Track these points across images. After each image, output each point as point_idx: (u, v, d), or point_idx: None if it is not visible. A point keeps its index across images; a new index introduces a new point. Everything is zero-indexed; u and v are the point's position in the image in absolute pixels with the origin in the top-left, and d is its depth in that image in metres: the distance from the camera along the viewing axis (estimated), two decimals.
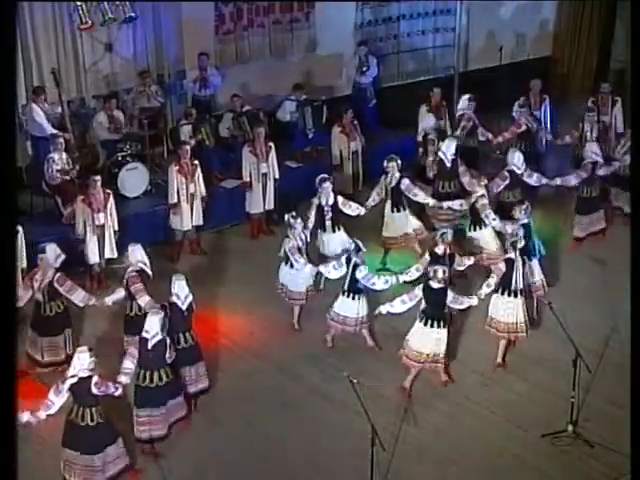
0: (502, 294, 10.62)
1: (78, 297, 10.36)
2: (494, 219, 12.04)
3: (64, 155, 12.78)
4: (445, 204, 12.60)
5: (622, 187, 13.59)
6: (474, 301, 10.40)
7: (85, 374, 8.61)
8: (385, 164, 12.51)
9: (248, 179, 13.49)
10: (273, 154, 13.53)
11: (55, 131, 13.11)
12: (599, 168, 13.24)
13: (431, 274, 10.12)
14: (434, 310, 10.10)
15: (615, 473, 9.13)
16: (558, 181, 13.26)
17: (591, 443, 9.47)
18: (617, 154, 13.92)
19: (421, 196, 12.60)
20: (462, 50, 17.58)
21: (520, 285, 10.56)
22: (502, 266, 10.57)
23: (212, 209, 13.53)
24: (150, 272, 10.41)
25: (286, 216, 11.40)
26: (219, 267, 12.99)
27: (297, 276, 11.26)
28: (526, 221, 11.48)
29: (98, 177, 11.97)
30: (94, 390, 8.62)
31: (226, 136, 14.59)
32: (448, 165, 13.03)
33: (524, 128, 14.62)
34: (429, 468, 9.31)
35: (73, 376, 8.63)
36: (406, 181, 12.55)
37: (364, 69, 15.83)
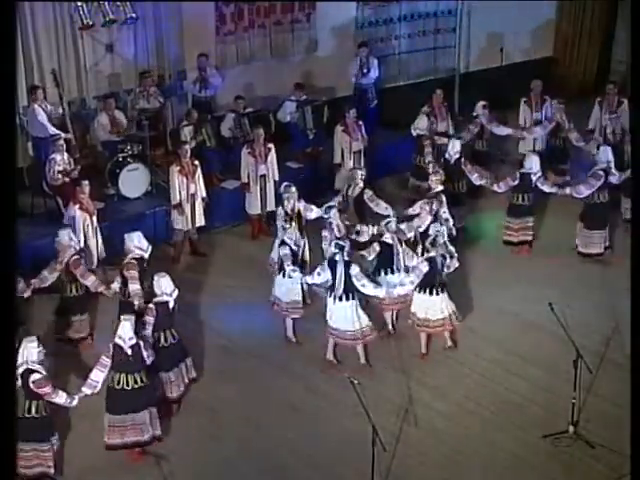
0: (424, 292, 10.74)
1: (89, 282, 10.77)
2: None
3: (65, 156, 12.79)
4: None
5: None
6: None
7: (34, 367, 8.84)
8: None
9: (246, 180, 13.50)
10: (273, 155, 13.52)
11: (57, 131, 13.11)
12: (541, 183, 12.84)
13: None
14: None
15: (616, 474, 9.11)
16: (495, 187, 13.12)
17: (592, 444, 9.46)
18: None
19: (382, 207, 12.22)
20: (463, 51, 17.58)
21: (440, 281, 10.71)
22: (423, 267, 10.60)
23: (213, 210, 13.54)
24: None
25: (279, 222, 11.35)
26: (220, 268, 12.99)
27: (291, 286, 11.08)
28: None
29: (86, 181, 11.93)
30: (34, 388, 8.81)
31: (228, 136, 14.59)
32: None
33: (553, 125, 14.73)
34: (430, 468, 9.30)
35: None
36: (369, 192, 12.38)
37: (365, 71, 15.83)
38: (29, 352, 8.86)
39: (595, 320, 11.46)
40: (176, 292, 9.94)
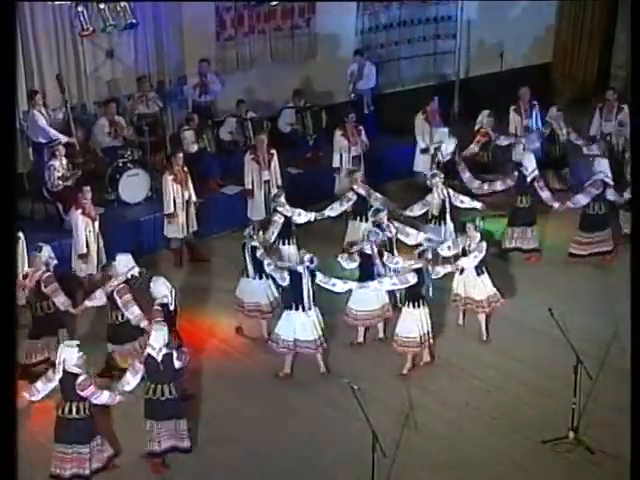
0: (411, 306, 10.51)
1: (59, 300, 10.40)
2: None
3: (64, 161, 12.81)
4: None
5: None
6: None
7: (73, 370, 8.74)
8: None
9: (250, 186, 13.46)
10: (275, 161, 13.51)
11: (59, 135, 13.11)
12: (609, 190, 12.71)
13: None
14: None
15: (616, 479, 9.11)
16: (570, 204, 12.81)
17: (592, 449, 9.45)
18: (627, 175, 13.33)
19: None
20: (463, 57, 17.60)
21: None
22: (410, 277, 10.41)
23: (213, 215, 13.53)
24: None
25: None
26: (220, 273, 12.96)
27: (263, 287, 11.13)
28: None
29: (88, 187, 11.88)
30: (77, 390, 8.71)
31: (227, 139, 14.58)
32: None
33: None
34: (430, 474, 9.29)
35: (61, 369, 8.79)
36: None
37: (356, 81, 15.81)
38: (68, 355, 8.74)
39: (595, 325, 11.46)
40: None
